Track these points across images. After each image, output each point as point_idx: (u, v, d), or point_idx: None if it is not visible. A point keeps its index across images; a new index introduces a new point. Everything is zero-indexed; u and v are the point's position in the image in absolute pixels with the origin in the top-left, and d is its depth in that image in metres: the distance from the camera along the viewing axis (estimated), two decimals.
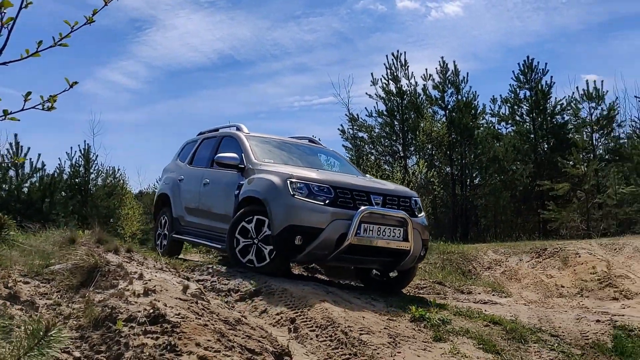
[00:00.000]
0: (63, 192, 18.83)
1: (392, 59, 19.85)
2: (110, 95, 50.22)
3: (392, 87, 19.64)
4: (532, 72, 21.92)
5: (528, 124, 21.88)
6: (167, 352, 3.24)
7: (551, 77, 21.53)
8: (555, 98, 21.74)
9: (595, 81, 24.86)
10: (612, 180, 17.26)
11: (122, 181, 25.04)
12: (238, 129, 7.98)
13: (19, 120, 1.65)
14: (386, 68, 19.88)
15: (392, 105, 19.48)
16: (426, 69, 22.01)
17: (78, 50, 50.56)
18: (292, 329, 4.79)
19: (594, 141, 20.67)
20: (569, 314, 6.19)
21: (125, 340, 3.26)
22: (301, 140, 8.60)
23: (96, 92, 47.05)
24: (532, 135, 21.53)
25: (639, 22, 41.53)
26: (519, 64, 21.99)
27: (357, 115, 20.33)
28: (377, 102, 19.83)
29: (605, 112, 20.23)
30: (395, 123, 19.44)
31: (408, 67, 19.78)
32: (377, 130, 20.03)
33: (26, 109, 1.66)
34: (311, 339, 4.57)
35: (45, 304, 3.83)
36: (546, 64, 21.46)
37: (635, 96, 17.01)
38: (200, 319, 3.75)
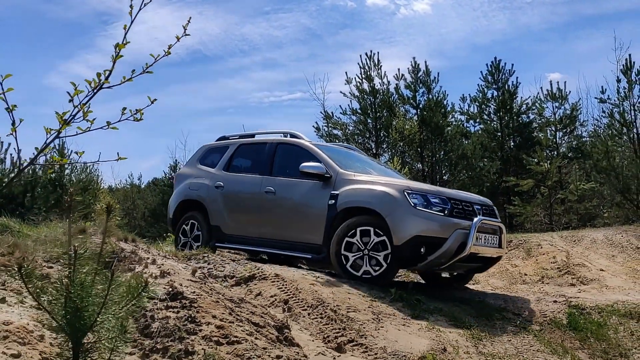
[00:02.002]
0: (39, 188, 19.00)
1: (366, 59, 20.49)
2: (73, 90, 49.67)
3: (366, 86, 20.29)
4: (500, 72, 22.78)
5: (495, 122, 22.73)
6: (189, 322, 3.77)
7: (517, 77, 22.41)
8: (521, 98, 22.65)
9: (558, 82, 25.90)
10: (574, 177, 18.23)
11: (96, 176, 25.25)
12: (293, 136, 8.04)
13: (117, 129, 2.18)
14: (360, 67, 20.51)
15: (366, 103, 20.14)
16: (398, 69, 22.73)
17: (42, 43, 49.99)
18: (286, 309, 5.34)
19: (557, 139, 21.61)
20: (531, 296, 6.90)
21: (151, 314, 3.76)
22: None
23: (61, 85, 46.61)
24: (499, 134, 22.40)
25: (600, 23, 43.02)
26: (487, 64, 22.85)
27: (332, 113, 20.95)
28: (351, 101, 20.47)
29: (568, 112, 21.18)
30: (369, 121, 20.11)
31: (381, 66, 20.45)
32: (351, 128, 20.68)
33: (122, 120, 2.20)
34: (304, 317, 5.13)
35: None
36: (512, 64, 22.42)
37: (596, 97, 17.94)
38: (211, 296, 4.29)
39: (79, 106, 2.06)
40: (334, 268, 6.61)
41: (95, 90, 2.09)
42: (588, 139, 21.67)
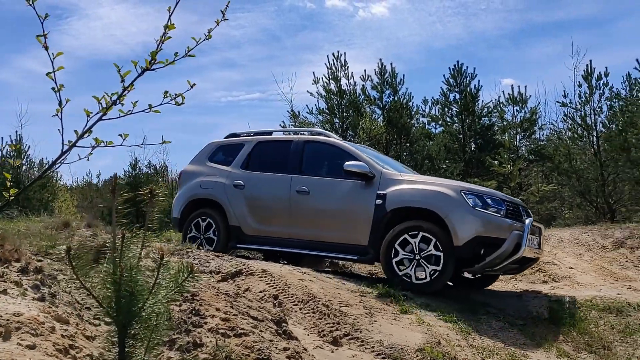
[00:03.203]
0: None
1: (333, 59, 20.58)
2: (29, 85, 48.30)
3: (333, 86, 20.38)
4: (462, 76, 23.16)
5: (457, 125, 23.11)
6: (194, 315, 3.74)
7: (479, 81, 22.94)
8: (482, 101, 23.11)
9: (519, 86, 26.55)
10: (535, 179, 18.72)
11: (55, 173, 24.59)
12: (321, 134, 7.92)
13: (159, 112, 2.15)
14: (327, 68, 20.58)
15: (333, 103, 20.23)
16: (365, 70, 22.91)
17: None
18: (276, 304, 5.33)
19: (518, 142, 22.15)
20: (511, 292, 7.07)
21: None
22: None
23: (15, 81, 45.20)
24: (461, 136, 22.80)
25: (551, 31, 44.29)
26: (449, 68, 23.20)
27: (299, 112, 20.96)
28: (317, 100, 20.53)
29: (528, 116, 21.74)
30: (336, 121, 20.21)
31: (348, 67, 20.57)
32: (318, 128, 20.74)
33: (164, 104, 2.16)
34: (295, 312, 5.13)
35: (64, 278, 4.18)
36: (474, 68, 22.76)
37: (557, 101, 18.51)
38: (210, 290, 4.26)
39: (128, 87, 2.02)
40: (384, 272, 6.57)
41: (142, 72, 2.06)
42: (546, 142, 22.29)
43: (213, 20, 2.07)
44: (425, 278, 6.19)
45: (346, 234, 6.85)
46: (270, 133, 8.43)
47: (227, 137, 8.67)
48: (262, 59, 50.51)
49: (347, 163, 6.87)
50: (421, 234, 6.25)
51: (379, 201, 6.61)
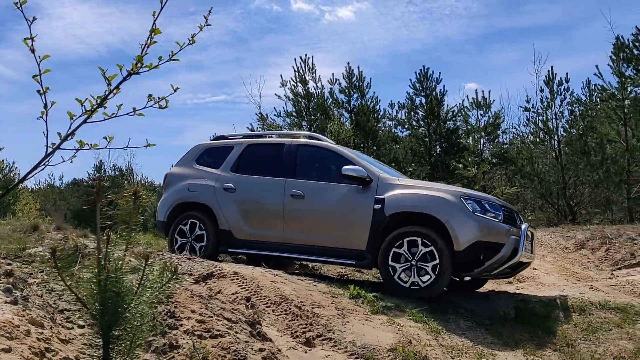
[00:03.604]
0: None
1: (300, 62, 20.70)
2: None
3: (301, 89, 20.48)
4: (427, 80, 23.53)
5: (423, 128, 23.44)
6: (169, 317, 3.74)
7: (444, 85, 23.26)
8: (447, 105, 23.50)
9: (483, 90, 27.09)
10: (498, 182, 19.09)
11: (17, 176, 24.09)
12: (314, 137, 7.86)
13: (144, 115, 2.17)
14: (294, 71, 20.69)
15: (301, 106, 20.33)
16: (332, 74, 23.01)
17: None
18: (249, 306, 5.35)
19: (482, 146, 22.58)
20: (479, 293, 7.22)
21: None
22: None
23: None
24: (427, 139, 23.13)
25: (514, 37, 45.32)
26: (415, 72, 23.56)
27: (267, 114, 21.02)
28: (285, 103, 20.62)
29: (491, 120, 22.18)
30: (304, 124, 20.32)
31: (315, 70, 20.71)
32: (286, 130, 20.80)
33: (148, 107, 2.18)
34: (268, 313, 5.16)
35: (35, 281, 4.14)
36: (440, 73, 23.16)
37: (521, 106, 18.97)
38: (185, 292, 4.26)
39: (114, 90, 2.04)
40: (381, 277, 6.56)
41: (128, 75, 2.08)
42: (509, 145, 22.79)
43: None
44: (420, 284, 6.21)
45: (343, 239, 6.81)
46: (260, 136, 8.33)
47: (215, 139, 8.57)
48: (229, 62, 50.36)
49: (345, 167, 6.84)
50: (419, 239, 6.26)
51: (377, 206, 6.60)
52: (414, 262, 6.27)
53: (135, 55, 2.16)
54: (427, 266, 6.20)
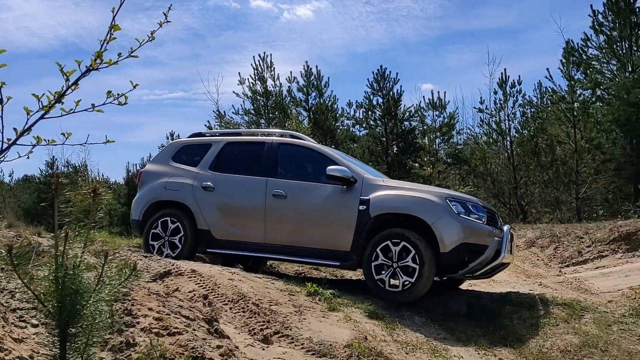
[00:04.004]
0: None
1: (259, 60, 20.64)
2: None
3: (259, 87, 20.43)
4: (385, 80, 23.81)
5: (381, 128, 23.72)
6: (126, 315, 3.71)
7: (401, 86, 23.62)
8: (404, 105, 23.84)
9: (439, 92, 27.58)
10: (453, 181, 19.45)
11: None
12: (295, 136, 7.69)
13: (103, 112, 2.16)
14: (253, 68, 20.63)
15: (259, 104, 20.28)
16: (290, 72, 23.11)
17: None
18: (206, 304, 5.34)
19: (437, 146, 22.98)
20: (433, 290, 7.36)
21: None
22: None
23: None
24: (384, 139, 23.40)
25: (469, 39, 46.28)
26: (373, 72, 23.82)
27: (224, 112, 20.88)
28: (243, 101, 20.52)
29: (446, 120, 22.60)
30: (262, 122, 20.27)
31: (274, 68, 20.69)
32: (244, 128, 20.71)
33: (107, 103, 2.18)
34: (226, 311, 5.16)
35: None
36: (397, 73, 23.49)
37: (474, 107, 19.41)
38: (142, 290, 4.23)
39: (72, 86, 2.02)
40: (365, 278, 6.50)
41: (87, 71, 2.07)
42: (464, 146, 23.26)
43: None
44: (399, 287, 6.21)
45: (327, 240, 6.74)
46: (238, 134, 8.20)
47: (192, 136, 8.39)
48: (186, 58, 49.81)
49: (330, 167, 6.75)
50: (400, 242, 6.23)
51: (362, 207, 6.54)
52: (394, 265, 6.24)
53: (90, 50, 2.16)
54: (407, 269, 6.17)
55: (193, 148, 7.97)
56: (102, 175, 29.41)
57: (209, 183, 7.48)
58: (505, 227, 6.66)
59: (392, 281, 6.24)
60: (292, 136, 7.71)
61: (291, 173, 7.22)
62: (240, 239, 7.21)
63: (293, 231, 6.95)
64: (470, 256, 6.22)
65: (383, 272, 6.29)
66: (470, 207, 6.40)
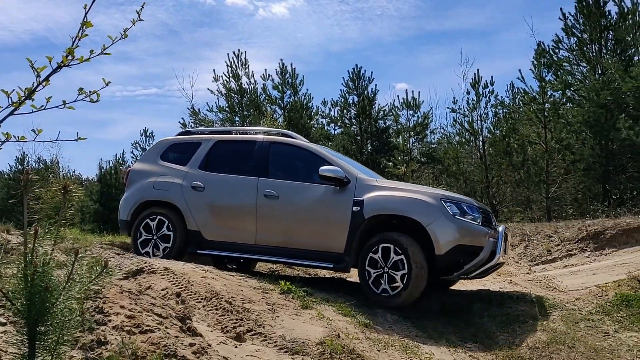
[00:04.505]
0: None
1: (233, 57, 20.56)
2: None
3: (233, 84, 20.35)
4: (360, 79, 23.90)
5: (355, 126, 23.81)
6: (97, 313, 3.69)
7: (376, 85, 23.74)
8: (379, 104, 23.97)
9: (413, 91, 27.76)
10: (426, 180, 19.64)
11: None
12: (287, 135, 7.50)
13: (74, 109, 2.15)
14: (227, 66, 20.54)
15: (233, 102, 20.20)
16: (265, 69, 23.06)
17: None
18: (179, 302, 5.32)
19: (411, 145, 23.15)
20: None
21: None
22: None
23: None
24: (358, 137, 23.49)
25: (443, 39, 46.73)
26: (348, 71, 23.98)
27: (199, 109, 20.76)
28: (218, 98, 20.42)
29: (420, 120, 22.78)
30: (237, 119, 20.20)
31: (248, 66, 20.63)
32: (218, 125, 20.60)
33: (78, 100, 2.16)
34: (199, 309, 5.15)
35: None
36: (372, 72, 23.59)
37: (448, 107, 19.66)
38: (114, 287, 4.20)
39: (43, 82, 2.01)
40: (360, 281, 6.44)
41: (58, 67, 2.05)
42: (437, 145, 23.49)
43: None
44: (389, 292, 6.16)
45: (320, 241, 6.63)
46: (228, 132, 8.05)
47: (180, 134, 8.21)
48: (160, 54, 49.37)
49: (323, 168, 6.62)
50: (391, 246, 6.19)
51: (355, 208, 6.43)
52: (385, 269, 6.20)
53: (62, 44, 2.15)
54: (397, 274, 6.13)
55: (182, 146, 7.80)
56: (74, 172, 29.06)
57: (198, 183, 7.32)
58: (501, 228, 6.62)
59: (384, 285, 6.18)
60: (283, 135, 7.53)
61: (283, 173, 7.10)
62: (231, 240, 7.09)
63: (285, 232, 6.83)
64: (466, 258, 6.16)
65: (375, 276, 6.24)
66: (465, 208, 6.33)
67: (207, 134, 7.95)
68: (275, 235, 6.87)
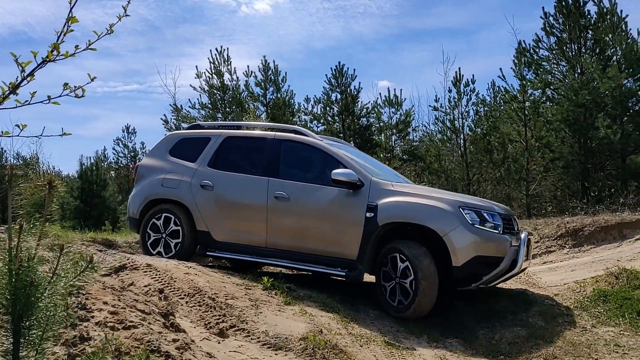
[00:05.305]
0: None
1: (216, 54, 20.49)
2: None
3: (216, 81, 20.28)
4: (343, 77, 23.91)
5: (338, 124, 23.84)
6: (80, 309, 3.69)
7: (359, 82, 23.78)
8: (362, 102, 24.02)
9: (395, 89, 27.87)
10: (409, 178, 19.74)
11: None
12: (299, 132, 7.19)
13: (59, 104, 2.15)
14: (210, 62, 20.46)
15: (215, 98, 20.13)
16: (248, 66, 22.99)
17: None
18: (162, 298, 5.32)
19: (393, 143, 23.26)
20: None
21: None
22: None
23: None
24: (341, 135, 23.52)
25: (424, 38, 46.98)
26: (331, 68, 23.90)
27: (181, 106, 20.67)
28: (200, 95, 20.36)
29: (402, 118, 22.89)
30: (219, 116, 20.13)
31: (231, 62, 20.58)
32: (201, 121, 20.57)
33: (63, 95, 2.17)
34: (182, 305, 5.16)
35: None
36: (355, 70, 23.58)
37: (430, 105, 19.84)
38: (96, 284, 4.19)
39: (28, 77, 2.01)
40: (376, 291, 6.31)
41: (43, 62, 2.06)
42: (419, 143, 23.62)
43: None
44: (404, 303, 6.01)
45: (332, 247, 6.40)
46: (238, 127, 7.79)
47: (190, 128, 8.00)
48: (142, 50, 48.99)
49: (335, 172, 6.33)
50: (397, 255, 6.04)
51: (369, 214, 6.16)
52: (397, 280, 6.07)
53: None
54: (405, 283, 5.98)
55: (191, 142, 7.52)
56: (54, 168, 28.77)
57: (207, 181, 7.08)
58: (523, 235, 6.35)
59: (398, 297, 6.07)
60: (295, 132, 7.24)
61: (294, 173, 6.85)
62: (240, 242, 6.88)
63: (297, 236, 6.60)
64: (485, 269, 5.94)
65: (388, 286, 6.14)
66: (485, 215, 6.06)
67: (217, 128, 7.73)
68: (287, 239, 6.64)
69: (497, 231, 6.03)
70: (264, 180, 6.78)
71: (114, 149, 33.04)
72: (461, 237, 5.86)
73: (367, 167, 6.80)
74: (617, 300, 6.27)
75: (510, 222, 6.47)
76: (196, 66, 23.21)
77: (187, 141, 7.56)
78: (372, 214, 6.15)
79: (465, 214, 5.95)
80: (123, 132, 32.75)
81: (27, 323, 2.03)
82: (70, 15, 2.14)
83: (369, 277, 6.65)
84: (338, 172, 6.32)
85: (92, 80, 2.26)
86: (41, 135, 2.11)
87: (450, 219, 5.93)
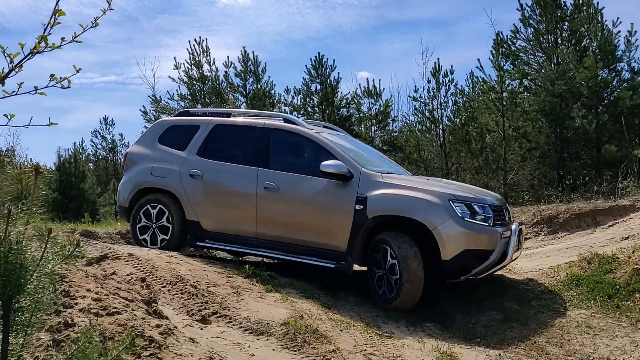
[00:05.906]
0: None
1: (195, 45, 20.41)
2: None
3: (195, 72, 20.22)
4: (322, 67, 23.96)
5: (318, 114, 23.89)
6: (63, 296, 3.75)
7: (338, 73, 23.85)
8: (341, 93, 24.10)
9: (374, 80, 27.99)
10: None
11: None
12: (289, 121, 7.10)
13: (45, 94, 2.22)
14: (189, 53, 20.39)
15: (195, 89, 20.08)
16: (227, 57, 22.92)
17: None
18: (144, 287, 5.38)
19: (373, 133, 23.39)
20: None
21: None
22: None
23: None
24: None
25: (403, 29, 47.16)
26: (310, 59, 23.97)
27: (160, 97, 20.57)
28: (179, 86, 20.29)
29: (382, 108, 23.03)
30: (198, 106, 20.09)
31: (210, 53, 20.53)
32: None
33: (50, 86, 2.23)
34: (164, 293, 5.23)
35: None
36: (334, 60, 23.70)
37: (409, 96, 20.00)
38: (79, 272, 4.25)
39: (16, 68, 2.07)
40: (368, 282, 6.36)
41: (31, 54, 2.12)
42: (399, 133, 23.80)
43: None
44: (387, 295, 6.08)
45: (322, 238, 6.40)
46: (228, 114, 7.69)
47: (179, 114, 7.92)
48: (119, 41, 48.48)
49: (324, 163, 6.29)
50: (388, 248, 6.05)
51: (358, 206, 6.15)
52: (384, 272, 6.11)
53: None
54: (392, 278, 6.03)
55: (180, 129, 7.43)
56: (32, 160, 28.41)
57: (196, 170, 7.02)
58: (514, 226, 6.37)
59: (384, 288, 6.14)
60: (285, 120, 7.16)
61: (284, 163, 6.80)
62: (230, 232, 6.87)
63: (286, 227, 6.59)
64: (474, 262, 5.95)
65: (377, 277, 6.20)
66: (475, 207, 6.03)
67: (206, 115, 7.67)
68: (276, 230, 6.63)
69: (487, 224, 6.02)
70: (253, 170, 6.76)
71: (92, 140, 32.69)
72: (450, 230, 5.86)
73: (359, 158, 6.77)
74: (589, 284, 6.46)
75: (502, 213, 6.46)
76: (174, 57, 23.18)
77: (176, 128, 7.48)
78: (362, 206, 6.14)
79: (455, 206, 5.93)
80: (101, 123, 32.42)
81: (17, 305, 2.10)
82: (56, 7, 2.20)
83: (356, 268, 6.74)
84: (327, 164, 6.30)
85: (77, 71, 2.33)
86: (29, 124, 2.17)
87: (439, 212, 5.91)
